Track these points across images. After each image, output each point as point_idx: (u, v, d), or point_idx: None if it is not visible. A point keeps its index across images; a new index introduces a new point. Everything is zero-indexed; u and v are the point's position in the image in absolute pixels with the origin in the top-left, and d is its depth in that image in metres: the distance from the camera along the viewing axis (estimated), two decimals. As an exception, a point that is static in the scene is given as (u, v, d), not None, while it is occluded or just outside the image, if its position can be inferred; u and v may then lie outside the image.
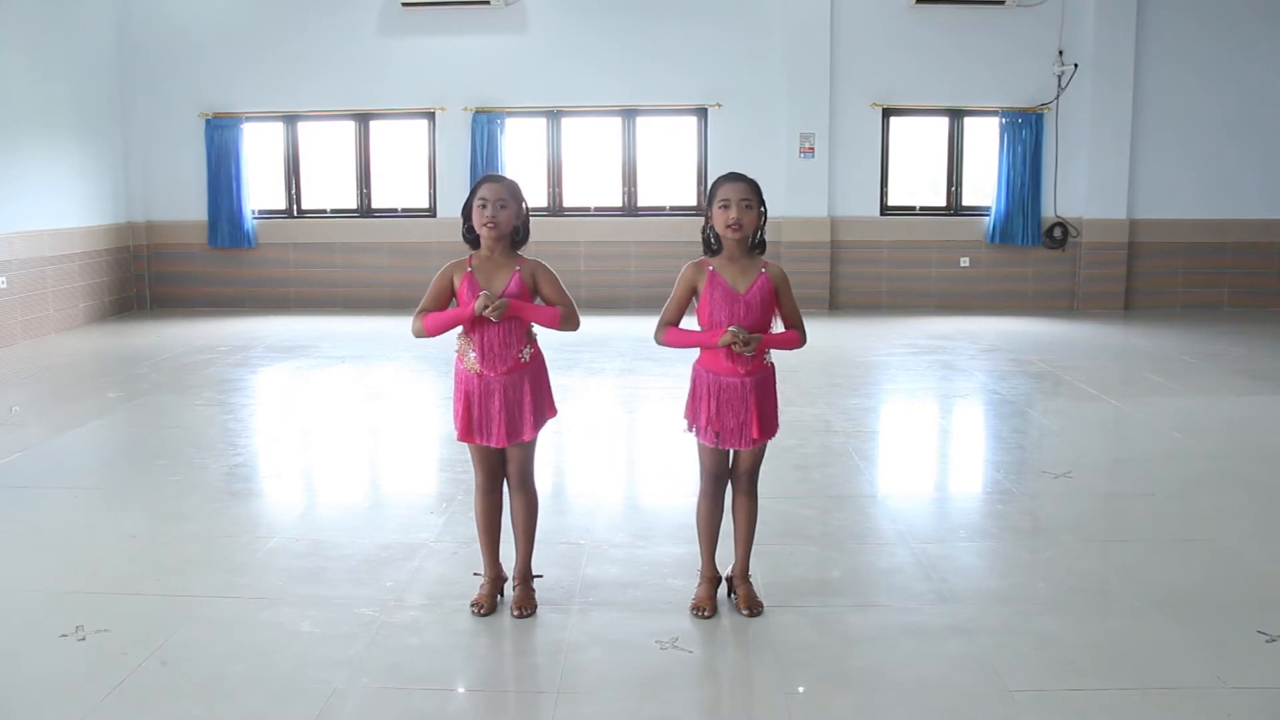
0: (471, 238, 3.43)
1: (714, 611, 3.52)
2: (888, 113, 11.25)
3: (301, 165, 11.64)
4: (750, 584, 3.59)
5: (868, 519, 4.63)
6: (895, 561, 4.07)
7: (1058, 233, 11.20)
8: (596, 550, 4.18)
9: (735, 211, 3.29)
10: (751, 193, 3.33)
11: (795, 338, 3.41)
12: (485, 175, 3.44)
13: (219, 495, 4.96)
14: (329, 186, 11.69)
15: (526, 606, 3.53)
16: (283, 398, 7.48)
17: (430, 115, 11.37)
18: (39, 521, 4.59)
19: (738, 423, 3.37)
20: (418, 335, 3.42)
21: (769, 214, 3.47)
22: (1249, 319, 10.62)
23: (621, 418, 6.65)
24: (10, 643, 3.39)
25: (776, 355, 3.51)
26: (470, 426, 3.42)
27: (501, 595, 3.64)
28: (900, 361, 8.44)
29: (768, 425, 3.41)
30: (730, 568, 3.63)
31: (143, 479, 5.30)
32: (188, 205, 11.48)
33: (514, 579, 3.61)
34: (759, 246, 3.41)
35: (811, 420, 6.25)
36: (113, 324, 10.56)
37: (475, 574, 3.72)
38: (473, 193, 3.38)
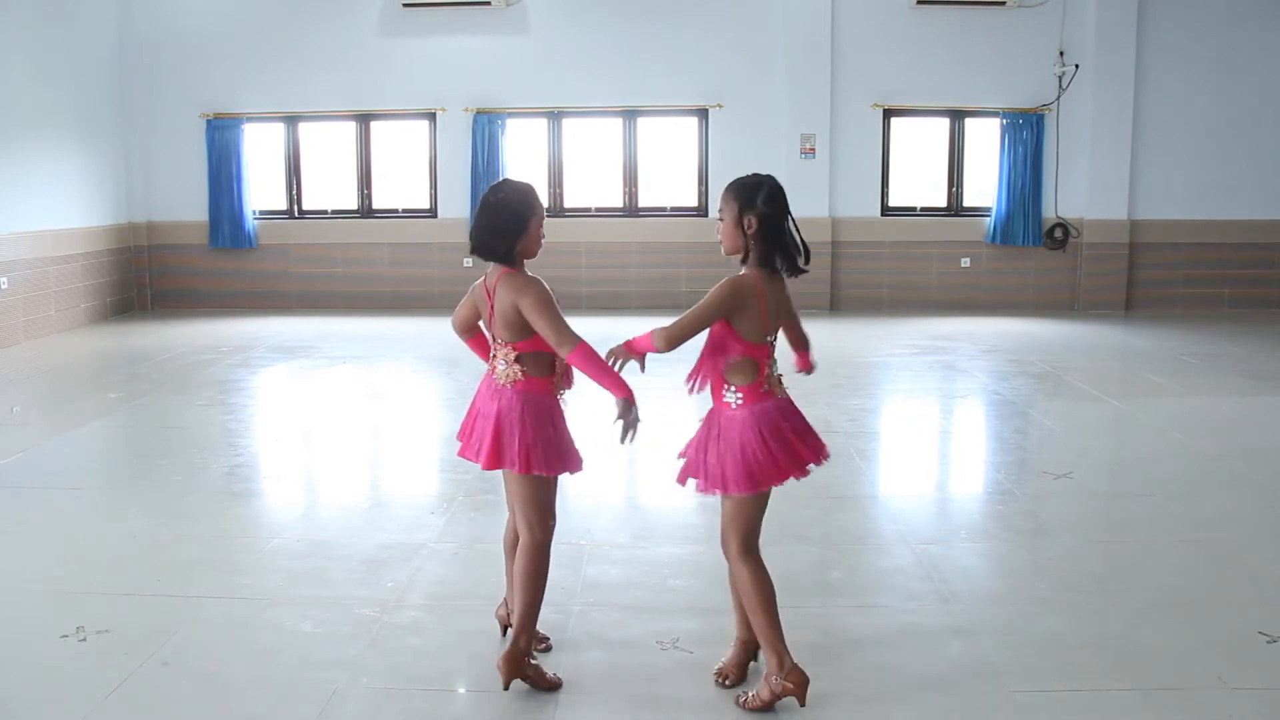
0: (512, 256, 3.03)
1: (738, 680, 3.08)
2: (888, 113, 11.24)
3: (302, 166, 11.64)
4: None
5: (868, 519, 4.63)
6: (896, 562, 4.07)
7: (1058, 233, 11.19)
8: (597, 551, 4.18)
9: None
10: (726, 201, 2.97)
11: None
12: (531, 189, 3.09)
13: (220, 495, 4.96)
14: (330, 187, 11.69)
15: (507, 671, 2.97)
16: (284, 398, 7.48)
17: (431, 116, 11.36)
18: (39, 521, 4.59)
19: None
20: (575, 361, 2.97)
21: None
22: (1249, 319, 10.62)
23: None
24: (11, 643, 3.39)
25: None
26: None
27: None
28: (901, 362, 8.44)
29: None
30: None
31: (144, 479, 5.30)
32: (189, 206, 11.48)
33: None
34: (746, 258, 2.98)
35: (813, 421, 6.22)
36: (114, 324, 10.57)
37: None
38: (533, 211, 3.04)
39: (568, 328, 2.96)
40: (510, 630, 3.09)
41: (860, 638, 3.40)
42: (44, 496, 4.97)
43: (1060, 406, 6.90)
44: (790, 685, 2.85)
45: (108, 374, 8.05)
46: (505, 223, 3.01)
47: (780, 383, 3.00)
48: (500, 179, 3.19)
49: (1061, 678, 3.10)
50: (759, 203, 2.94)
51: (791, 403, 3.03)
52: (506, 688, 2.98)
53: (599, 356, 2.95)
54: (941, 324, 10.38)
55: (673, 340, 2.91)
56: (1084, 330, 10.04)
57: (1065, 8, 10.87)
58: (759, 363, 2.93)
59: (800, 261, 3.00)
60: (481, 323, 3.17)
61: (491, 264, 3.06)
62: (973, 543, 4.35)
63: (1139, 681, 3.07)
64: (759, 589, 2.92)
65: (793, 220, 3.01)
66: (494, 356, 3.09)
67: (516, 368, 3.02)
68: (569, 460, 3.11)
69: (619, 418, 2.94)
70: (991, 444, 6.19)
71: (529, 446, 3.00)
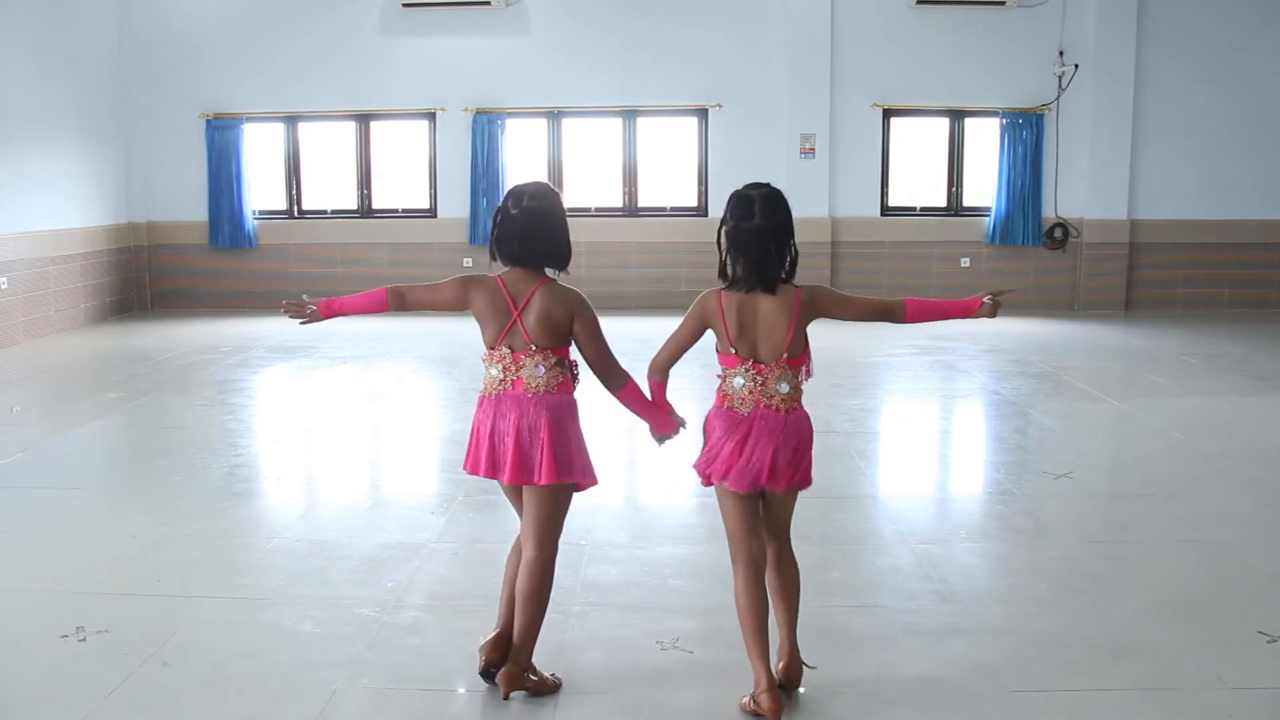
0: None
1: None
2: (888, 113, 11.24)
3: (302, 166, 11.64)
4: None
5: (868, 519, 4.63)
6: (896, 562, 4.07)
7: (1058, 233, 11.19)
8: (597, 551, 4.18)
9: None
10: None
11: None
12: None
13: (220, 495, 4.96)
14: (330, 187, 11.69)
15: (507, 684, 2.94)
16: (284, 398, 7.48)
17: (431, 116, 11.36)
18: (39, 521, 4.59)
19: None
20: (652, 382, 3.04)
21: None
22: (1249, 319, 10.61)
23: (622, 418, 6.63)
24: (11, 643, 3.39)
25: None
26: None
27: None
28: (901, 362, 8.44)
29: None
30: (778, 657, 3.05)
31: (144, 479, 5.30)
32: (189, 206, 11.47)
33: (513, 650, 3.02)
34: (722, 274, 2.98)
35: (813, 421, 6.23)
36: (114, 324, 10.57)
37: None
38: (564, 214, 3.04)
39: (617, 361, 3.00)
40: (512, 645, 3.00)
41: (860, 638, 3.40)
42: (44, 496, 4.97)
43: (1060, 406, 6.90)
44: (758, 706, 2.83)
45: (108, 374, 8.05)
46: (556, 231, 2.96)
47: (744, 397, 2.91)
48: (533, 181, 3.02)
49: (1061, 677, 3.10)
50: (726, 214, 2.98)
51: (745, 419, 2.92)
52: (506, 698, 2.97)
53: (643, 393, 3.03)
54: (941, 324, 10.36)
55: (662, 369, 3.00)
56: (1084, 330, 10.04)
57: (1065, 8, 10.87)
58: (725, 369, 2.96)
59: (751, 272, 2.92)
60: (483, 328, 2.96)
61: (511, 269, 2.95)
62: (973, 543, 4.35)
63: (1139, 681, 3.07)
64: (737, 597, 2.94)
65: (767, 231, 2.96)
66: (512, 365, 2.91)
67: (558, 370, 2.95)
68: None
69: (659, 443, 3.09)
70: (991, 444, 6.19)
71: (584, 452, 3.01)
